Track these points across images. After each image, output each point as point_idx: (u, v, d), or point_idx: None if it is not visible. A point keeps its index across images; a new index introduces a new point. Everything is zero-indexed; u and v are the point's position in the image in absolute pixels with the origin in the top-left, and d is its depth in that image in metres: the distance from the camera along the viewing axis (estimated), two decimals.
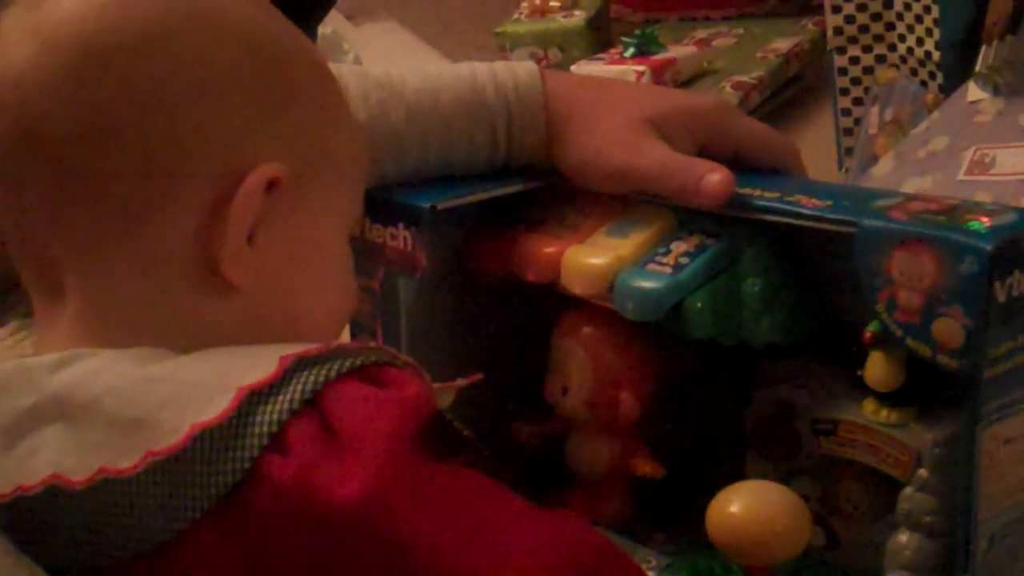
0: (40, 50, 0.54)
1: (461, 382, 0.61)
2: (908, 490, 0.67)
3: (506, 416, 0.79)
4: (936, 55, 1.39)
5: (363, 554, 0.51)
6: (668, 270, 0.71)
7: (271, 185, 0.56)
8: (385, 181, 0.75)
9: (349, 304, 0.62)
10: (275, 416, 0.52)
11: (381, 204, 0.75)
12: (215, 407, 0.52)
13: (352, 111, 0.71)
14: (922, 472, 0.67)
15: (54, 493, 0.52)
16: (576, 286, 0.73)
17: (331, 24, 1.63)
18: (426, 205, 0.73)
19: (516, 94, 0.74)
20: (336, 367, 0.53)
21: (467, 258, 0.78)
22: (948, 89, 1.34)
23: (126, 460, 0.52)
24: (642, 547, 0.76)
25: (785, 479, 0.72)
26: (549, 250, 0.74)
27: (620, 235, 0.73)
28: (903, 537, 0.67)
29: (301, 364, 0.53)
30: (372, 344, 0.57)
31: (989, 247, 0.60)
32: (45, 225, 0.56)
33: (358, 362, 0.54)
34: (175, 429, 0.52)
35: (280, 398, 0.52)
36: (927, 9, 1.39)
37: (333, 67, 0.70)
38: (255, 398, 0.52)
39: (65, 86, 0.54)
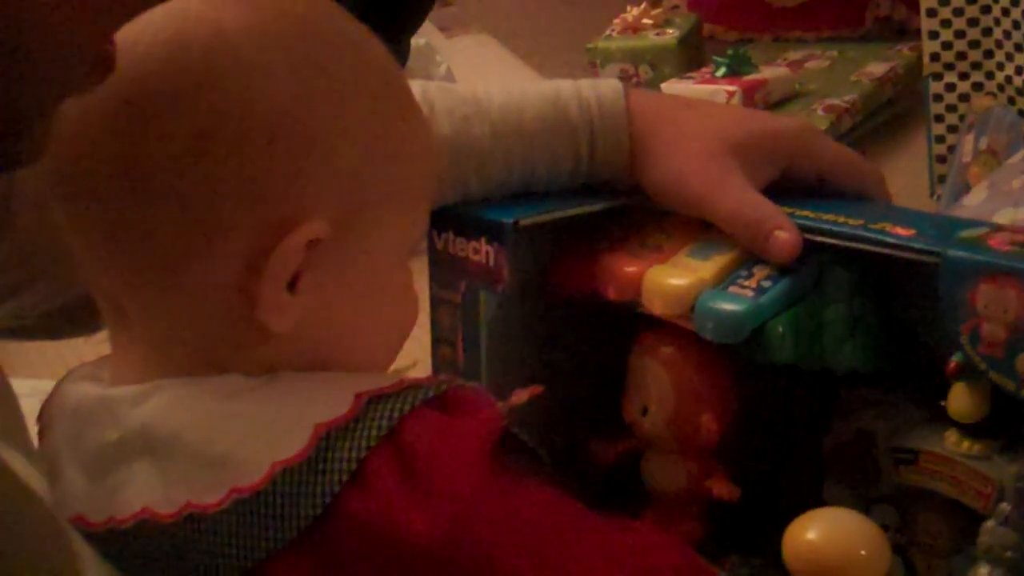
0: (82, 100, 0.52)
1: (522, 395, 0.61)
2: (989, 523, 0.66)
3: (583, 433, 0.80)
4: None
5: None
6: (750, 293, 0.70)
7: (312, 242, 0.55)
8: (468, 196, 0.75)
9: (407, 323, 0.62)
10: (354, 453, 0.53)
11: (465, 219, 0.75)
12: (294, 444, 0.54)
13: (437, 126, 0.72)
14: (1004, 506, 0.66)
15: (145, 525, 0.55)
16: (657, 306, 0.73)
17: (424, 36, 1.65)
18: (509, 221, 0.74)
19: (599, 112, 0.75)
20: (411, 400, 0.55)
21: (549, 274, 0.78)
22: None
23: (211, 495, 0.54)
24: (716, 567, 0.76)
25: (864, 507, 0.71)
26: (631, 269, 0.74)
27: (702, 256, 0.73)
28: (983, 571, 0.66)
29: (376, 400, 0.55)
30: (441, 377, 0.58)
31: None
32: (97, 263, 0.57)
33: (430, 393, 0.55)
34: (257, 466, 0.54)
35: (358, 434, 0.54)
36: None
37: (417, 84, 0.71)
38: (333, 435, 0.54)
39: (105, 138, 0.54)
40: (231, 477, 0.54)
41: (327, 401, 0.55)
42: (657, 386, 0.76)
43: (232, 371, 0.56)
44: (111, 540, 0.55)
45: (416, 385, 0.56)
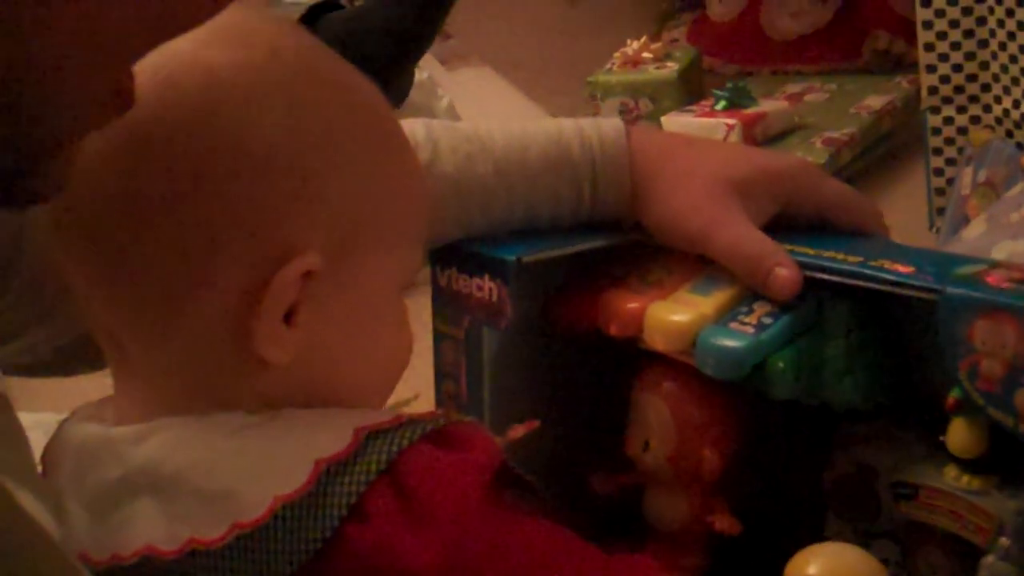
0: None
1: (519, 430, 0.62)
2: (989, 558, 0.66)
3: (585, 468, 0.80)
4: None
5: None
6: (751, 329, 0.71)
7: (307, 274, 0.56)
8: (471, 232, 0.76)
9: (403, 356, 0.63)
10: (353, 487, 0.54)
11: (468, 255, 0.76)
12: (295, 479, 0.54)
13: (441, 164, 0.73)
14: (1003, 540, 0.66)
15: (148, 563, 0.55)
16: (658, 342, 0.74)
17: (426, 69, 1.66)
18: (512, 258, 0.74)
19: (601, 151, 0.75)
20: (408, 435, 0.56)
21: (552, 311, 0.79)
22: None
23: (214, 531, 0.55)
24: None
25: (864, 542, 0.71)
26: (632, 306, 0.75)
27: (703, 292, 0.74)
28: None
29: (375, 435, 0.55)
30: (439, 412, 0.59)
31: None
32: (95, 300, 0.58)
33: (428, 428, 0.56)
34: (259, 501, 0.54)
35: (357, 469, 0.55)
36: None
37: (420, 122, 0.71)
38: (333, 470, 0.54)
39: (103, 177, 0.55)
40: (233, 512, 0.54)
41: (327, 436, 0.55)
42: (659, 421, 0.77)
43: (231, 406, 0.57)
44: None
45: (414, 420, 0.56)
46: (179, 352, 0.57)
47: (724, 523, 0.76)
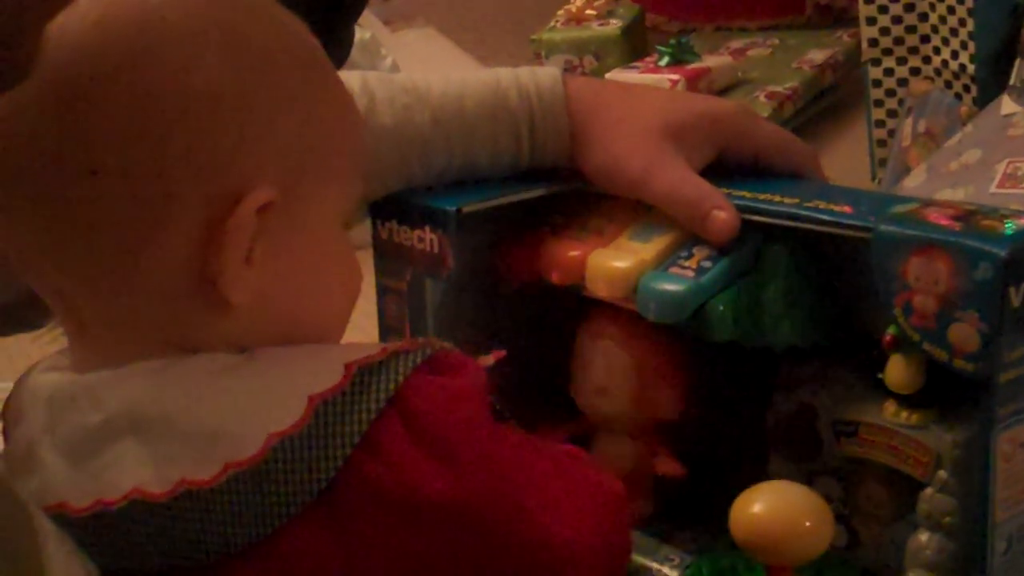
0: (11, 93, 0.52)
1: (488, 359, 0.63)
2: (928, 491, 0.68)
3: (529, 418, 0.80)
4: (971, 68, 1.39)
5: (460, 542, 0.55)
6: (690, 274, 0.71)
7: (263, 208, 0.56)
8: (411, 184, 0.76)
9: (354, 286, 0.63)
10: (361, 419, 0.54)
11: (408, 207, 0.76)
12: (289, 416, 0.54)
13: (378, 116, 0.73)
14: (942, 473, 0.67)
15: (136, 506, 0.54)
16: (600, 289, 0.74)
17: (369, 30, 1.65)
18: (452, 208, 0.74)
19: (538, 98, 0.76)
20: (403, 366, 0.56)
21: (493, 260, 0.79)
22: (982, 102, 1.35)
23: (206, 472, 0.54)
24: (666, 545, 0.77)
25: (807, 480, 0.72)
26: (574, 253, 0.75)
27: (643, 239, 0.74)
28: (923, 537, 0.68)
29: (368, 369, 0.55)
30: (420, 340, 0.59)
31: (1003, 253, 0.61)
32: (45, 259, 0.57)
33: (420, 357, 0.56)
34: (252, 439, 0.54)
35: (360, 403, 0.55)
36: (962, 22, 1.40)
37: (356, 74, 0.71)
38: (327, 406, 0.54)
39: (43, 120, 0.54)
40: (225, 452, 0.54)
41: (316, 372, 0.55)
42: (615, 366, 0.77)
43: (198, 349, 0.56)
44: (97, 524, 0.55)
45: (402, 351, 0.57)
46: (138, 304, 0.56)
47: (668, 467, 0.77)
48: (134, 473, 0.54)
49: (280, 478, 0.54)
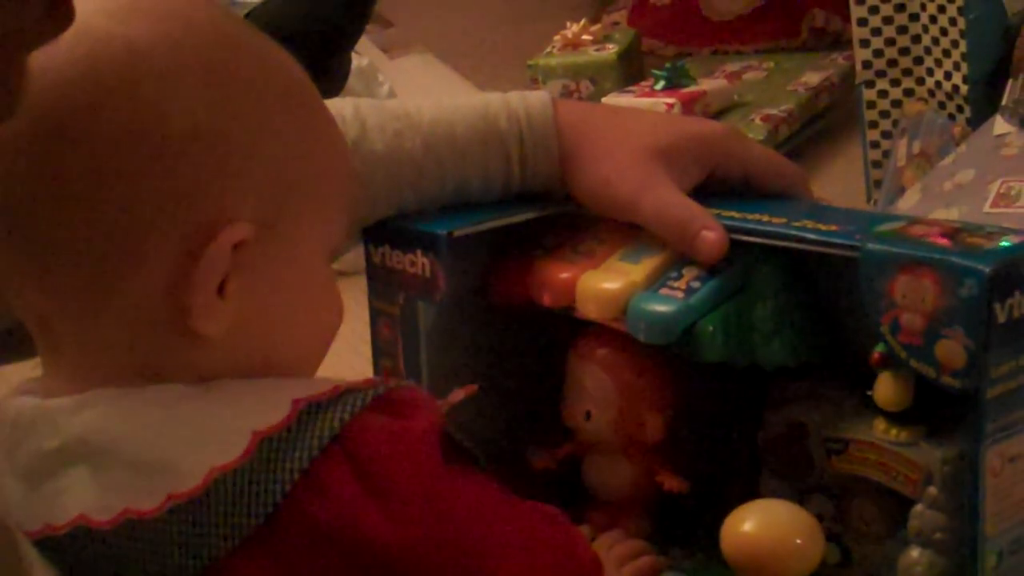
0: None
1: (459, 394, 0.63)
2: (918, 507, 0.68)
3: (523, 441, 0.81)
4: (964, 89, 1.40)
5: None
6: (680, 294, 0.72)
7: (238, 245, 0.56)
8: (404, 209, 0.77)
9: (334, 320, 0.63)
10: (301, 458, 0.54)
11: (400, 231, 0.77)
12: (232, 451, 0.54)
13: (369, 142, 0.74)
14: (932, 490, 0.68)
15: (80, 533, 0.55)
16: (591, 310, 0.75)
17: (367, 56, 1.66)
18: (443, 232, 0.75)
19: (528, 122, 0.76)
20: (351, 405, 0.56)
21: (485, 283, 0.79)
22: (975, 123, 1.35)
23: (149, 501, 0.54)
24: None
25: (799, 498, 0.73)
26: (564, 275, 0.76)
27: (633, 260, 0.75)
28: (914, 554, 0.68)
29: (315, 407, 0.56)
30: (375, 379, 0.59)
31: (988, 269, 0.62)
32: (27, 286, 0.57)
33: (370, 396, 0.56)
34: (194, 472, 0.54)
35: (302, 440, 0.55)
36: (955, 44, 1.41)
37: (348, 101, 0.72)
38: (271, 442, 0.55)
39: (20, 155, 0.55)
40: (168, 484, 0.54)
41: (263, 407, 0.56)
42: (600, 389, 0.77)
43: (168, 379, 0.57)
44: (47, 549, 0.56)
45: (353, 389, 0.57)
46: (113, 330, 0.57)
47: (672, 482, 0.77)
48: (80, 499, 0.55)
49: (220, 511, 0.54)
